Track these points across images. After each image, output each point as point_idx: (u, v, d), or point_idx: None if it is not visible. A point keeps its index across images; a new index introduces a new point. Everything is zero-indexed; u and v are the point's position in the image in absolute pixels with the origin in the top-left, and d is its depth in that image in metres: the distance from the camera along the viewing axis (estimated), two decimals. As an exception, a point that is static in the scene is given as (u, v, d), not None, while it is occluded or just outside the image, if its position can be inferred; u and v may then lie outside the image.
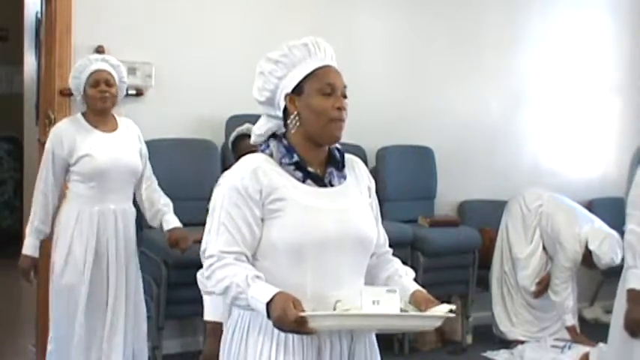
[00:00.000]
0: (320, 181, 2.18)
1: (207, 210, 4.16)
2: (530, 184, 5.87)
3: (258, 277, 2.03)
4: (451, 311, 2.06)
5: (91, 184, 3.65)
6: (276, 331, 2.06)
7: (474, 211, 5.92)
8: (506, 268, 5.61)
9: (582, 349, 5.12)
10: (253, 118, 4.53)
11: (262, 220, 2.11)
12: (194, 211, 4.23)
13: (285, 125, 2.21)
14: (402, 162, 5.60)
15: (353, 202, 2.20)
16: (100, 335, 3.68)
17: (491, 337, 5.57)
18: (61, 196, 3.78)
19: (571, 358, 5.09)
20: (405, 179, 5.55)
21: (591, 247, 5.22)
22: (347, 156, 2.27)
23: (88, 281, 3.64)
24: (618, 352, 3.33)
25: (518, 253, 5.52)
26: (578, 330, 5.45)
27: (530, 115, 6.37)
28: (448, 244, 5.33)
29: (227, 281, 2.04)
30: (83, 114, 3.78)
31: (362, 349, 2.21)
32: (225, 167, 4.94)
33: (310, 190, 2.15)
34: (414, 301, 2.16)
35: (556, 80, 6.44)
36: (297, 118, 2.16)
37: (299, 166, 2.16)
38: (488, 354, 5.30)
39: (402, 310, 2.07)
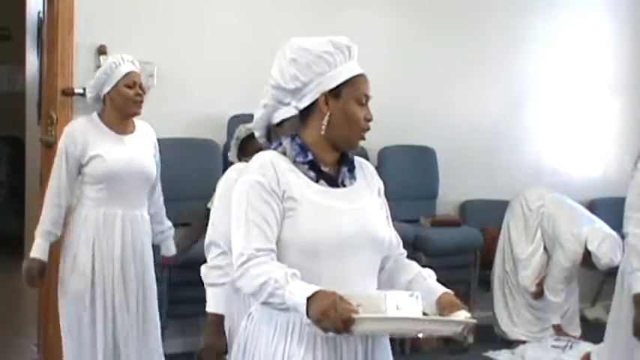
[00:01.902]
0: (332, 182, 2.17)
1: (208, 209, 4.18)
2: (532, 184, 5.86)
3: (295, 274, 1.99)
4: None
5: (100, 187, 3.53)
6: (290, 328, 2.07)
7: (475, 211, 5.93)
8: (507, 268, 5.61)
9: (583, 349, 5.12)
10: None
11: None
12: (195, 210, 4.24)
13: (302, 120, 2.19)
14: (403, 162, 5.61)
15: (366, 203, 2.20)
16: (106, 342, 3.56)
17: (492, 337, 5.56)
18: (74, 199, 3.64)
19: (572, 357, 5.09)
20: (406, 179, 5.55)
21: (590, 247, 5.21)
22: (355, 158, 2.27)
23: (91, 287, 3.52)
24: (616, 352, 3.33)
25: (519, 253, 5.52)
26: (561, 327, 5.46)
27: (532, 115, 6.37)
28: (450, 244, 5.33)
29: (263, 278, 1.99)
30: (99, 114, 3.64)
31: (378, 350, 2.19)
32: (227, 167, 4.96)
33: (323, 189, 2.14)
34: (440, 304, 2.15)
35: (558, 80, 6.45)
36: (328, 119, 2.14)
37: (313, 165, 2.15)
38: (490, 354, 5.30)
39: (424, 314, 2.05)
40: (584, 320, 5.80)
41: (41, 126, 4.98)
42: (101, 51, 4.68)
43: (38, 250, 3.52)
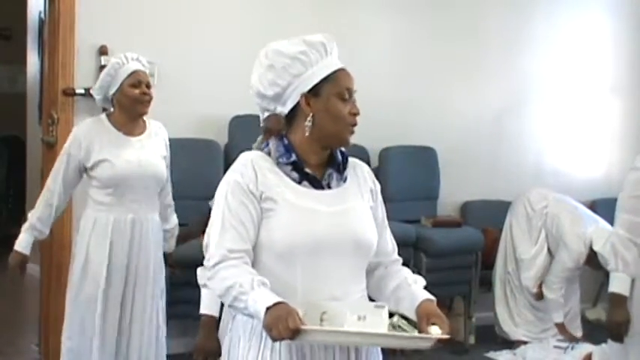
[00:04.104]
0: (317, 183, 2.13)
1: (210, 208, 4.17)
2: (533, 185, 5.86)
3: (264, 283, 1.96)
4: (440, 337, 1.96)
5: (108, 191, 3.48)
6: (264, 335, 2.01)
7: (476, 212, 5.92)
8: (509, 269, 5.60)
9: (585, 349, 5.12)
10: (257, 119, 4.53)
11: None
12: (197, 210, 4.23)
13: (289, 123, 2.15)
14: (404, 162, 5.60)
15: (351, 205, 2.14)
16: (112, 348, 3.53)
17: (493, 337, 5.57)
18: (73, 202, 3.66)
19: (574, 358, 5.09)
20: (407, 179, 5.55)
21: (596, 247, 5.20)
22: (350, 159, 2.22)
23: (103, 293, 3.48)
24: (615, 352, 3.34)
25: (522, 253, 5.52)
26: (566, 327, 5.44)
27: (533, 115, 6.37)
28: (451, 244, 5.33)
29: (230, 281, 1.97)
30: (108, 115, 3.59)
31: (365, 356, 2.14)
32: (228, 167, 4.96)
33: (305, 191, 2.10)
34: (418, 313, 2.07)
35: (558, 81, 6.44)
36: (312, 119, 2.10)
37: (296, 166, 2.11)
38: (491, 354, 5.30)
39: (393, 325, 2.01)
40: (585, 321, 5.80)
41: (42, 126, 4.98)
42: (102, 51, 4.68)
43: (21, 243, 3.52)
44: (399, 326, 2.04)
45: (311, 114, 2.10)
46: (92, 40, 4.67)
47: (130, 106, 3.54)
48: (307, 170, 2.12)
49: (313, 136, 2.11)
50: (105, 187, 3.49)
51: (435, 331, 1.97)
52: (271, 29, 5.16)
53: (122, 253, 3.52)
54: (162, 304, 3.72)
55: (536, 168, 6.35)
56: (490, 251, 5.64)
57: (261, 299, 1.91)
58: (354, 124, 2.13)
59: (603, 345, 5.00)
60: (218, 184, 3.92)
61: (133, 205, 3.53)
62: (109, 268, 3.50)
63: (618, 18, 6.71)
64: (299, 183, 2.11)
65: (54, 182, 3.52)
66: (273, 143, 2.15)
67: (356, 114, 2.13)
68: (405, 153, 5.66)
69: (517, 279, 5.56)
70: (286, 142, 2.13)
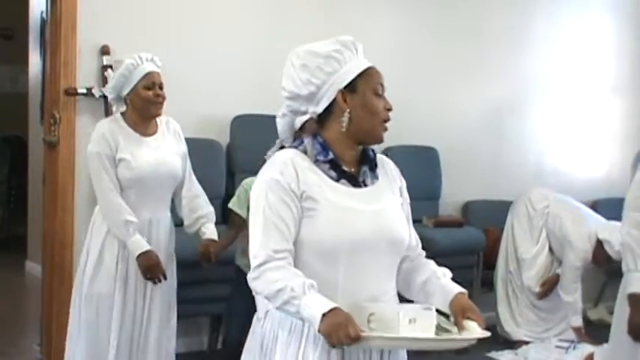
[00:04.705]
0: (354, 181, 2.16)
1: (229, 209, 4.12)
2: (535, 185, 5.87)
3: (313, 286, 1.98)
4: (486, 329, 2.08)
5: (129, 192, 3.50)
6: (305, 330, 2.06)
7: (478, 212, 5.93)
8: (511, 269, 5.60)
9: (587, 349, 5.11)
10: (258, 118, 4.53)
11: None
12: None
13: (321, 122, 2.17)
14: (406, 162, 5.50)
15: (386, 203, 2.19)
16: (130, 347, 3.55)
17: (495, 337, 5.56)
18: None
19: (575, 358, 5.08)
20: (409, 179, 5.44)
21: (601, 236, 5.17)
22: (378, 156, 2.26)
23: (120, 291, 3.50)
24: (621, 354, 3.32)
25: (524, 253, 5.52)
26: (582, 331, 5.44)
27: (535, 115, 6.37)
28: (453, 244, 5.33)
29: (281, 284, 1.98)
30: (122, 114, 3.60)
31: (394, 356, 2.18)
32: (230, 167, 4.96)
33: (344, 189, 2.12)
34: (453, 308, 2.14)
35: (560, 81, 6.45)
36: (348, 115, 2.13)
37: (334, 164, 2.13)
38: (493, 354, 5.29)
39: (438, 327, 2.05)
40: (586, 321, 5.80)
41: (44, 126, 4.98)
42: (104, 51, 4.68)
43: (140, 243, 3.47)
44: (441, 325, 2.08)
45: (348, 110, 2.13)
46: (94, 39, 4.67)
47: (143, 107, 3.56)
48: (345, 168, 2.15)
49: (349, 133, 2.14)
50: (126, 188, 3.51)
51: (475, 329, 2.05)
52: (273, 29, 5.18)
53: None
54: (173, 312, 3.78)
55: (537, 168, 6.36)
56: (492, 251, 5.65)
57: (314, 305, 1.94)
58: (388, 120, 2.18)
59: (605, 345, 5.01)
60: (220, 183, 3.93)
61: (149, 205, 3.56)
62: (128, 267, 3.52)
63: (620, 18, 6.72)
64: (337, 181, 2.13)
65: (108, 182, 3.46)
66: (308, 142, 2.16)
67: (390, 109, 2.18)
68: (406, 153, 5.65)
69: (519, 279, 5.56)
70: (321, 140, 2.15)
